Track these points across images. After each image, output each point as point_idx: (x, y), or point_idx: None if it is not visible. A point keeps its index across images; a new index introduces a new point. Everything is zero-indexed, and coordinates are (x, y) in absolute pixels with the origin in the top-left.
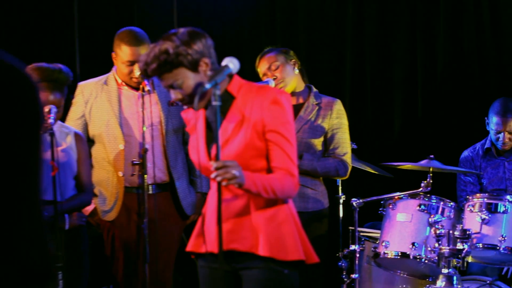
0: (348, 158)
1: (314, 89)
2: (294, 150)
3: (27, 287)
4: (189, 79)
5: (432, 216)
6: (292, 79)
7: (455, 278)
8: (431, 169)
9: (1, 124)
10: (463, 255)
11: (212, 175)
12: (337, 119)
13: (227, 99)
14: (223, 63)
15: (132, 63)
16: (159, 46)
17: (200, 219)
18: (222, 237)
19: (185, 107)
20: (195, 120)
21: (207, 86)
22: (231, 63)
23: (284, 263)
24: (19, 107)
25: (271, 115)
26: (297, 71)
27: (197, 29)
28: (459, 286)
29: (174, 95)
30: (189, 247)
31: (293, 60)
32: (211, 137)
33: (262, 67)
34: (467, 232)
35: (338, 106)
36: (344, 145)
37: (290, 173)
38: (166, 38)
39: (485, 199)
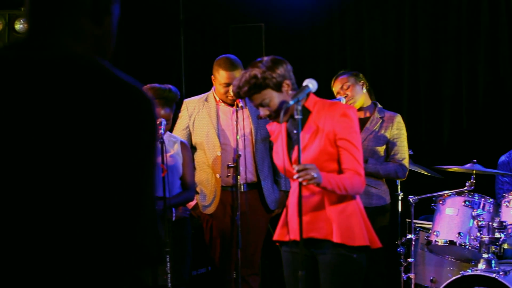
0: (406, 162)
1: (379, 105)
2: (360, 154)
3: (143, 267)
4: (274, 98)
5: (475, 210)
6: (360, 97)
7: (493, 262)
8: (474, 171)
9: (127, 133)
10: (500, 242)
11: (294, 176)
12: (397, 130)
13: (304, 113)
14: (304, 83)
15: (227, 84)
16: (249, 72)
17: (283, 213)
18: (302, 227)
19: (270, 121)
20: (277, 131)
21: (291, 102)
22: (311, 84)
23: (353, 248)
24: (141, 120)
25: (341, 126)
26: (365, 90)
27: (279, 57)
28: (496, 268)
29: (263, 112)
30: (275, 237)
31: (362, 82)
32: (291, 145)
33: (336, 87)
34: (504, 224)
35: (398, 120)
36: (403, 152)
37: (358, 173)
38: (254, 65)
39: None
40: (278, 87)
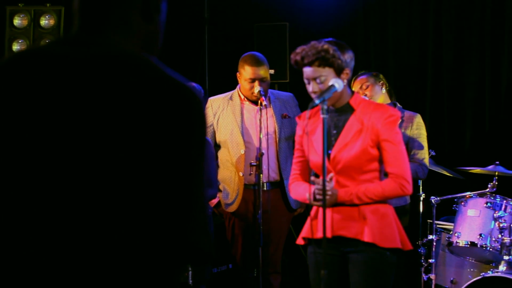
0: (426, 162)
1: (398, 105)
2: (404, 155)
3: (198, 264)
4: (330, 80)
5: (496, 212)
6: (379, 97)
7: None
8: (496, 173)
9: (180, 131)
10: None
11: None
12: (416, 130)
13: (348, 110)
14: (329, 83)
15: (253, 80)
16: (321, 45)
17: (313, 211)
18: (325, 226)
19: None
20: (313, 126)
21: (317, 102)
22: (336, 83)
23: (384, 249)
24: (192, 118)
25: (386, 128)
26: (384, 91)
27: (344, 43)
28: None
29: (312, 87)
30: (304, 234)
31: (382, 82)
32: (330, 141)
33: (355, 87)
34: None
35: (418, 119)
36: (423, 151)
37: (399, 177)
38: (323, 42)
39: None
40: (339, 71)
